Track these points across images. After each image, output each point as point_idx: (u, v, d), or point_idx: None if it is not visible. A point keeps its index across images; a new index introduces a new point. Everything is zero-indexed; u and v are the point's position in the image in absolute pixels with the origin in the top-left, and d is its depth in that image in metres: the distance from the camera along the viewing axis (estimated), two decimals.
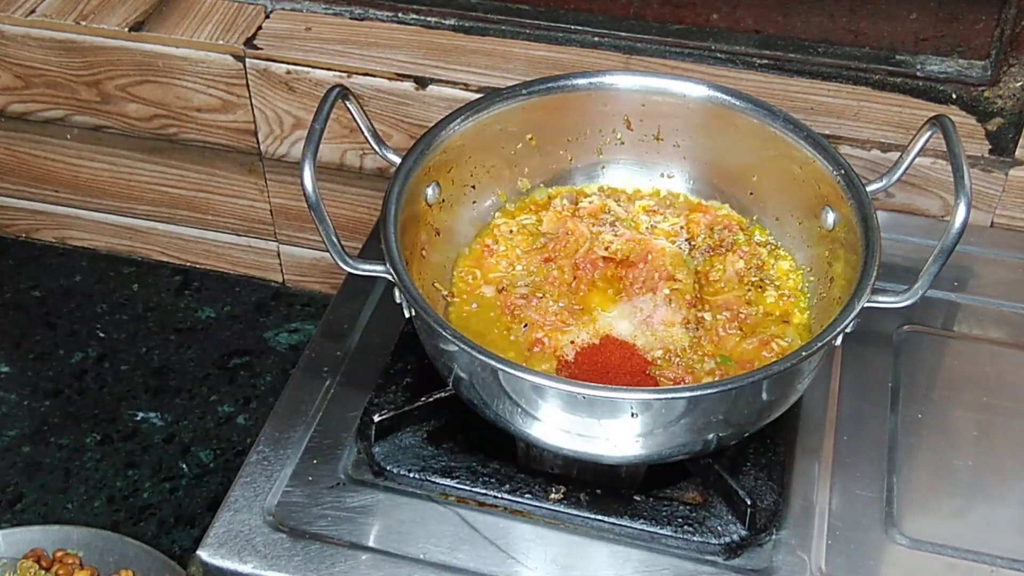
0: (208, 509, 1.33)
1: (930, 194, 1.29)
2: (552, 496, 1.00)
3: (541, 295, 1.08)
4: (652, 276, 1.09)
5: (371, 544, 0.98)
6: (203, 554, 0.97)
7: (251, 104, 1.43)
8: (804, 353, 0.91)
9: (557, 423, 0.94)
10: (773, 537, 0.98)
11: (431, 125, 1.10)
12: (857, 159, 1.27)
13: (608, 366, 1.02)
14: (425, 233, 1.09)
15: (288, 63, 1.38)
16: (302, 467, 1.04)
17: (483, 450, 1.04)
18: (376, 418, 1.03)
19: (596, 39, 1.38)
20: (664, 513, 0.98)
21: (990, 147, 1.27)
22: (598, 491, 1.00)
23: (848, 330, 0.94)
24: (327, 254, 0.98)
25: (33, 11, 1.45)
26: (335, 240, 0.97)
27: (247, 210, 1.56)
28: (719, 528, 0.97)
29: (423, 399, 1.05)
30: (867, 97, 1.32)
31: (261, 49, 1.39)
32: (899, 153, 1.07)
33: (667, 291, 1.07)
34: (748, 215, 1.17)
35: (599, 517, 0.99)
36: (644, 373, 1.01)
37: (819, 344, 0.92)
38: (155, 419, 1.44)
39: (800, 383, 0.98)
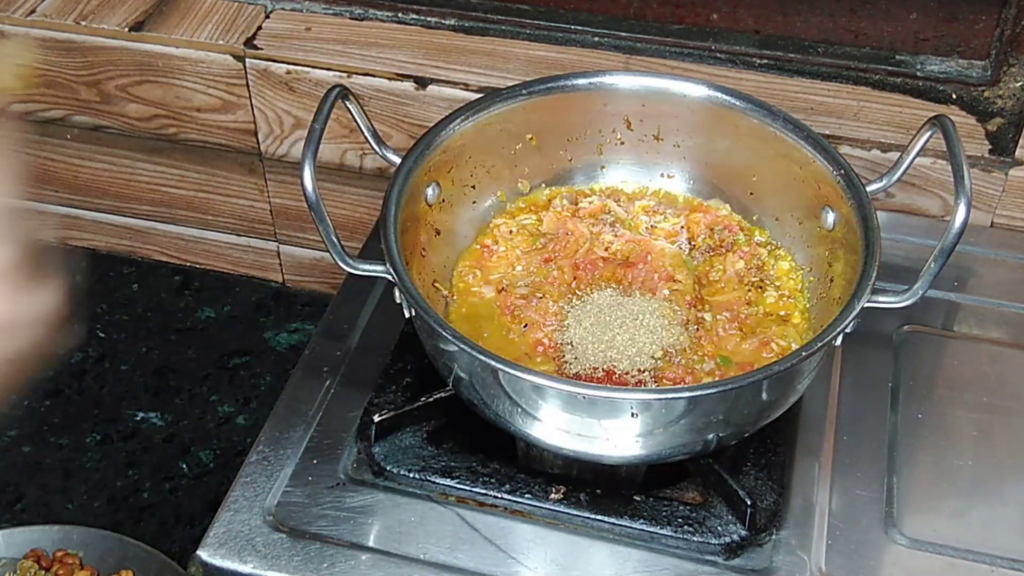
0: (208, 509, 1.33)
1: (930, 194, 1.29)
2: (552, 496, 1.00)
3: (541, 295, 1.08)
4: (652, 277, 1.09)
5: (371, 544, 0.98)
6: (203, 554, 0.97)
7: (251, 104, 1.43)
8: (804, 353, 0.91)
9: (557, 423, 0.94)
10: (773, 537, 0.98)
11: (431, 125, 1.10)
12: (857, 159, 1.27)
13: None
14: (425, 233, 1.09)
15: (288, 63, 1.38)
16: (302, 467, 1.04)
17: (483, 450, 1.04)
18: (376, 418, 1.03)
19: (596, 39, 1.38)
20: (664, 513, 0.98)
21: (990, 147, 1.27)
22: (598, 491, 1.00)
23: (848, 330, 0.94)
24: (327, 254, 0.98)
25: (33, 11, 1.45)
26: (335, 240, 0.97)
27: (247, 210, 1.56)
28: (719, 528, 0.97)
29: (423, 399, 1.05)
30: (867, 97, 1.32)
31: (261, 49, 1.39)
32: (899, 153, 1.07)
33: (667, 292, 1.07)
34: (748, 215, 1.16)
35: (599, 517, 0.99)
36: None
37: (819, 344, 0.92)
38: (155, 419, 1.44)
39: (800, 383, 0.98)
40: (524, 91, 1.14)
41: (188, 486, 1.36)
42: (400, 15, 1.43)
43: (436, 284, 1.09)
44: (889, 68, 1.33)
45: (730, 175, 1.17)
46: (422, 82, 1.35)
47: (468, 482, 1.01)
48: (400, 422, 1.04)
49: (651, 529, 0.97)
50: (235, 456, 1.39)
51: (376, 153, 1.10)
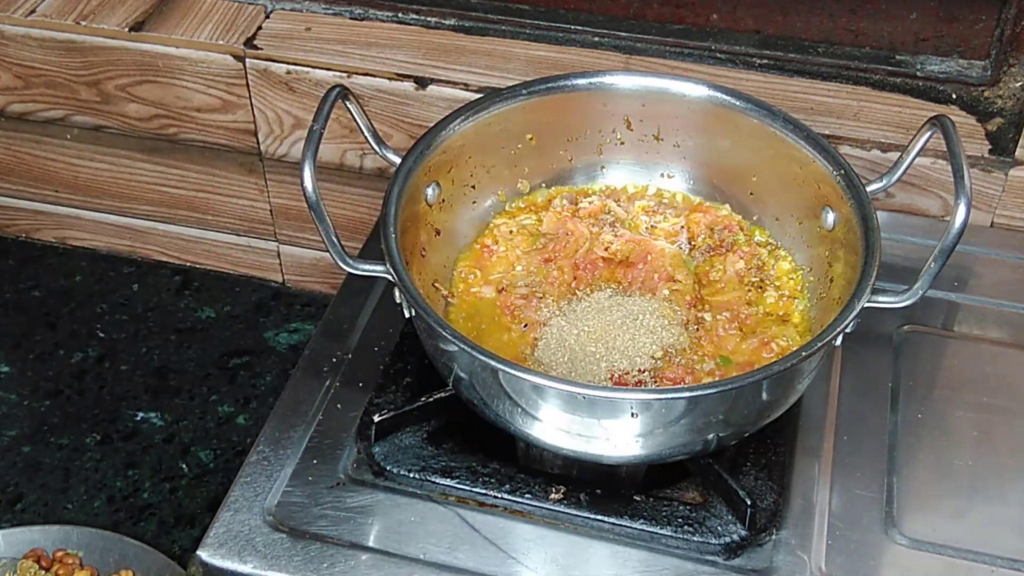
0: (208, 509, 1.33)
1: (930, 194, 1.29)
2: (552, 496, 1.00)
3: (541, 295, 1.09)
4: (652, 277, 1.09)
5: (371, 544, 0.98)
6: (203, 554, 0.97)
7: (251, 104, 1.43)
8: (804, 353, 0.91)
9: (557, 423, 0.94)
10: (773, 537, 0.98)
11: (431, 125, 1.10)
12: (857, 159, 1.27)
13: None
14: (425, 233, 1.10)
15: (288, 63, 1.38)
16: (302, 467, 1.04)
17: (483, 450, 1.04)
18: (376, 418, 1.03)
19: (596, 39, 1.38)
20: (664, 513, 0.98)
21: (990, 147, 1.27)
22: (598, 491, 1.00)
23: (848, 330, 0.94)
24: (327, 254, 0.98)
25: (33, 11, 1.45)
26: (335, 240, 0.97)
27: (247, 210, 1.56)
28: (719, 528, 0.97)
29: (423, 399, 1.05)
30: (867, 97, 1.32)
31: (261, 49, 1.39)
32: (899, 153, 1.07)
33: (667, 292, 1.07)
34: (748, 215, 1.17)
35: (599, 517, 0.99)
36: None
37: (819, 344, 0.92)
38: (155, 419, 1.44)
39: (800, 383, 0.98)
40: (524, 91, 1.14)
41: (188, 486, 1.36)
42: (400, 15, 1.43)
43: (436, 284, 1.09)
44: (889, 68, 1.33)
45: (730, 175, 1.17)
46: (422, 82, 1.35)
47: (468, 482, 1.01)
48: (400, 422, 1.04)
49: (651, 529, 0.97)
50: (235, 456, 1.39)
51: (376, 153, 1.10)
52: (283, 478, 1.03)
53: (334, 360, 1.13)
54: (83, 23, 1.43)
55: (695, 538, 0.97)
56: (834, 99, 1.32)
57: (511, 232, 1.15)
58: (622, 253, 1.12)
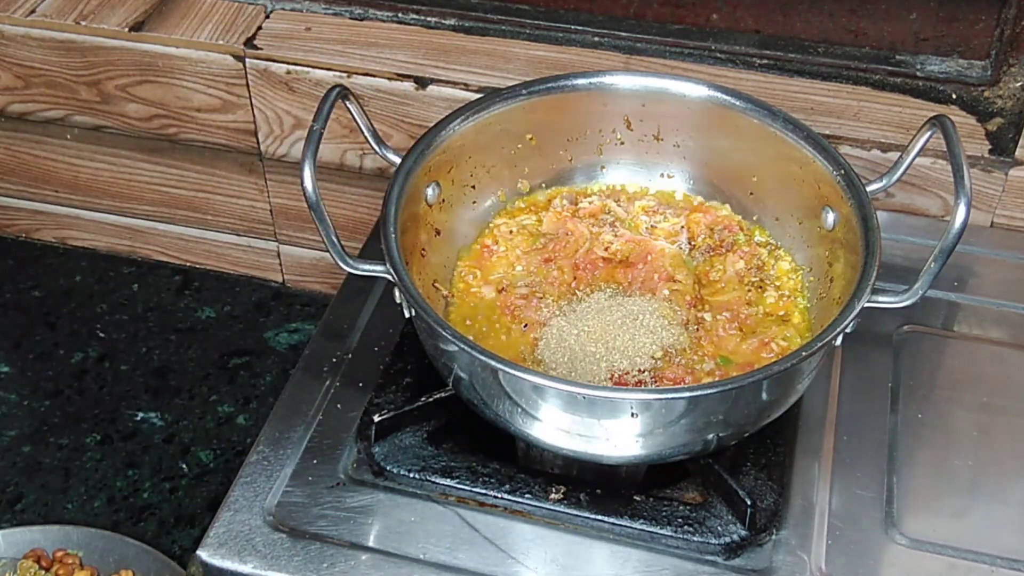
0: (208, 509, 1.33)
1: (930, 194, 1.29)
2: (552, 496, 1.00)
3: (541, 295, 1.09)
4: (652, 277, 1.09)
5: (371, 544, 0.98)
6: (203, 554, 0.97)
7: (251, 104, 1.43)
8: (804, 353, 0.91)
9: (557, 423, 0.94)
10: (773, 537, 0.98)
11: (431, 125, 1.10)
12: (857, 159, 1.27)
13: None
14: (425, 233, 1.10)
15: (288, 63, 1.38)
16: (302, 467, 1.04)
17: (483, 450, 1.04)
18: (376, 418, 1.03)
19: (596, 39, 1.38)
20: (664, 513, 0.98)
21: (990, 147, 1.27)
22: (598, 491, 1.00)
23: (848, 330, 0.94)
24: (327, 254, 0.98)
25: (33, 11, 1.45)
26: (335, 240, 0.97)
27: (247, 210, 1.56)
28: (719, 528, 0.97)
29: (423, 399, 1.05)
30: (867, 97, 1.32)
31: (261, 49, 1.39)
32: (899, 153, 1.07)
33: (667, 292, 1.07)
34: (748, 215, 1.17)
35: (599, 517, 0.99)
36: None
37: (819, 344, 0.92)
38: (155, 419, 1.44)
39: (800, 383, 0.98)
40: (524, 91, 1.14)
41: (188, 486, 1.36)
42: (400, 15, 1.43)
43: (436, 284, 1.09)
44: (889, 68, 1.33)
45: (730, 175, 1.17)
46: (422, 82, 1.35)
47: (468, 482, 1.01)
48: (400, 422, 1.04)
49: (651, 529, 0.97)
50: (235, 456, 1.39)
51: (376, 153, 1.10)
52: (283, 478, 1.03)
53: (334, 360, 1.13)
54: (83, 23, 1.43)
55: (695, 538, 0.97)
56: (834, 99, 1.32)
57: (511, 232, 1.15)
58: (622, 253, 1.12)
